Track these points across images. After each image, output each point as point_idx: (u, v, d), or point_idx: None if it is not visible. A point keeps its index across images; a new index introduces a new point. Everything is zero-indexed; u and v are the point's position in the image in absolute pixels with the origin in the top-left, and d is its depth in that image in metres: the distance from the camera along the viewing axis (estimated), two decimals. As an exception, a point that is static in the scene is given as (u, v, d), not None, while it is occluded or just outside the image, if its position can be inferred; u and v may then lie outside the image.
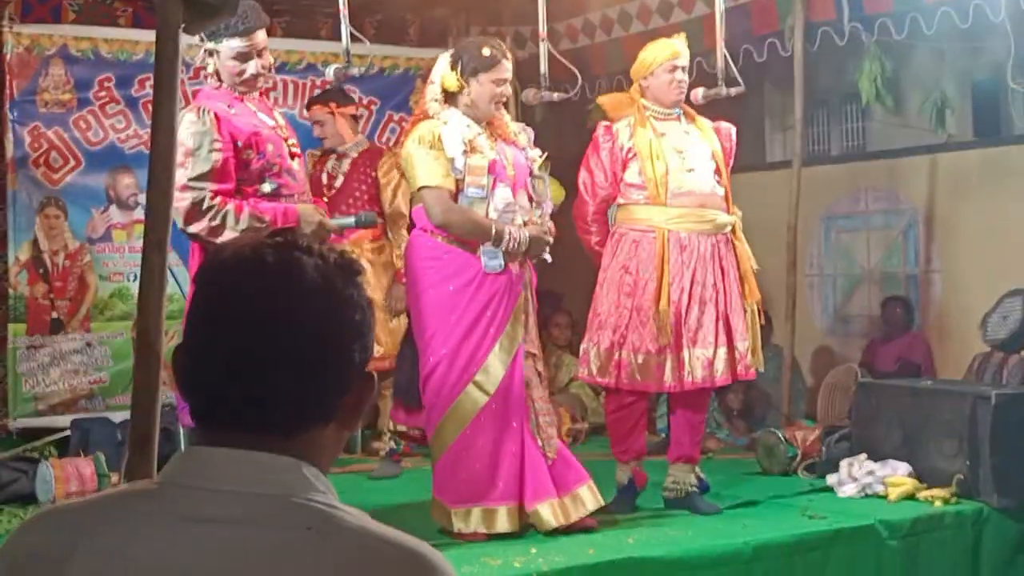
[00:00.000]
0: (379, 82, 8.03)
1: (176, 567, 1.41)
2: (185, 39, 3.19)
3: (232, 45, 4.70)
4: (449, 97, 4.97)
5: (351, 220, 4.97)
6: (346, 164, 6.59)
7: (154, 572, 1.41)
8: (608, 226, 5.50)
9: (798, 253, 7.39)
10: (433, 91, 5.00)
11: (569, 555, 4.60)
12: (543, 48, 5.07)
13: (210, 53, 4.75)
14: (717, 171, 5.45)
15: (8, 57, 7.15)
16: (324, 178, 6.62)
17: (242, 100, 4.76)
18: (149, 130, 7.47)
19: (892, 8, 7.00)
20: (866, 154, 8.72)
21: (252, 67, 4.74)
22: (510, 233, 4.84)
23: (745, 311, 5.43)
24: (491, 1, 8.22)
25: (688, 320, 5.28)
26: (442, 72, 4.98)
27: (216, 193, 4.53)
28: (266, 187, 4.69)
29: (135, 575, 1.42)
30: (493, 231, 4.83)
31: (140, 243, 7.45)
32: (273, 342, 1.45)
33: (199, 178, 4.52)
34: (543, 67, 5.07)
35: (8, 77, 7.16)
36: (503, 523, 4.85)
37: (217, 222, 4.51)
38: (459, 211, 4.87)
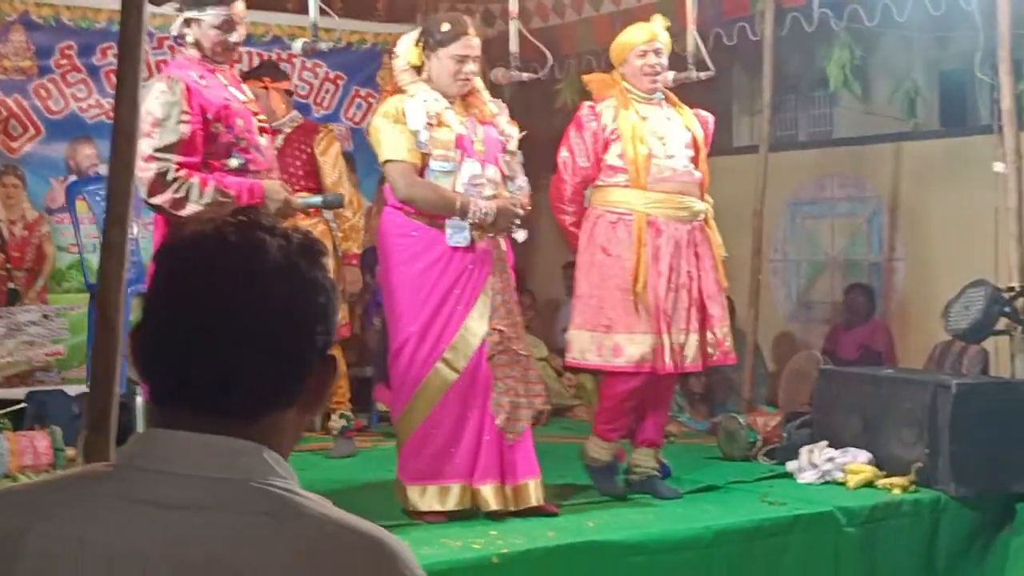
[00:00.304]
0: (346, 57, 7.97)
1: (132, 551, 1.38)
2: (153, 9, 3.13)
3: (215, 14, 4.62)
4: (417, 72, 4.93)
5: (318, 200, 4.91)
6: (280, 140, 6.34)
7: (110, 555, 1.38)
8: (583, 207, 5.46)
9: (763, 238, 7.39)
10: (399, 64, 4.97)
11: (529, 538, 4.59)
12: (513, 27, 5.02)
13: (188, 23, 4.66)
14: (695, 158, 5.44)
15: (-32, 22, 7.04)
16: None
17: (214, 72, 4.68)
18: (111, 100, 7.37)
19: (862, -7, 7.01)
20: (832, 140, 8.74)
21: (234, 37, 4.68)
22: (476, 204, 4.79)
23: (722, 297, 5.45)
24: (461, -23, 8.17)
25: (664, 305, 5.27)
26: (406, 47, 4.95)
27: (181, 165, 4.45)
28: (233, 162, 4.62)
29: (90, 558, 1.39)
30: (458, 203, 4.78)
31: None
32: (235, 323, 1.41)
33: (165, 149, 4.44)
34: (513, 46, 5.02)
35: (-32, 43, 7.06)
36: (454, 500, 4.84)
37: (181, 194, 4.44)
38: (423, 185, 4.82)
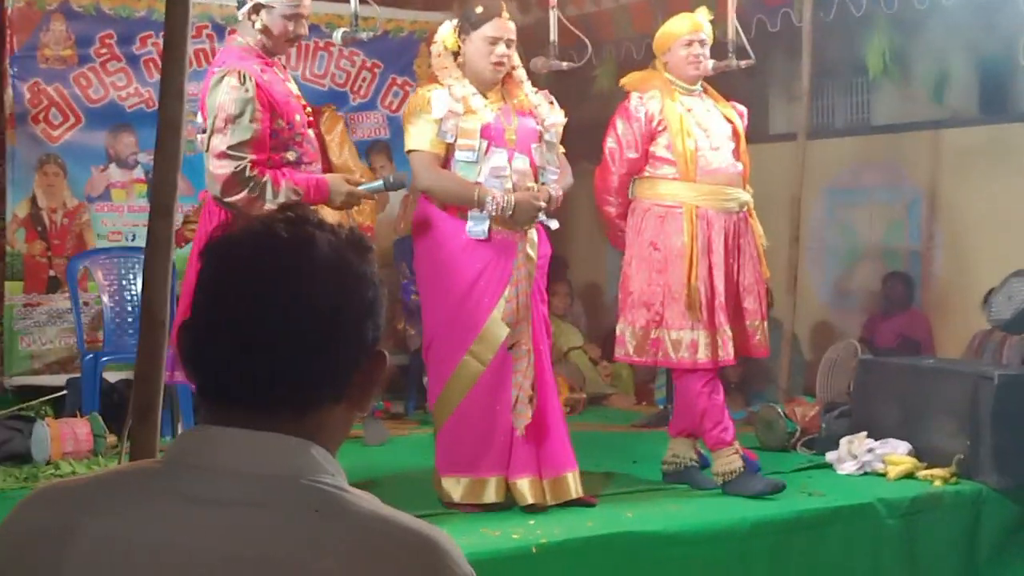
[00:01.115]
0: (383, 45, 7.95)
1: (180, 548, 1.38)
2: None
3: (288, 3, 4.57)
4: (456, 57, 4.93)
5: (379, 184, 4.86)
6: None
7: (157, 553, 1.39)
8: (628, 198, 5.42)
9: (800, 227, 7.34)
10: (436, 49, 4.98)
11: (567, 528, 4.59)
12: (553, 15, 5.00)
13: (256, 9, 4.57)
14: (735, 150, 5.42)
15: (9, 11, 7.08)
16: None
17: (271, 65, 4.63)
18: (151, 89, 7.42)
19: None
20: (871, 128, 8.67)
21: (302, 28, 4.64)
22: (493, 197, 4.74)
23: (762, 289, 5.43)
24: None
25: (716, 298, 5.26)
26: (445, 31, 4.95)
27: (254, 164, 4.41)
28: (290, 155, 4.59)
29: (138, 555, 1.39)
30: (476, 195, 4.75)
31: (139, 203, 7.43)
32: (285, 319, 1.41)
33: (239, 146, 4.39)
34: (552, 35, 4.99)
35: (8, 31, 7.09)
36: (491, 494, 4.84)
37: (255, 193, 4.39)
38: (441, 175, 4.83)
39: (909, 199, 8.11)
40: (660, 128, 5.28)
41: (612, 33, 8.09)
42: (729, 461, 5.22)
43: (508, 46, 4.89)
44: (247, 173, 4.39)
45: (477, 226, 4.79)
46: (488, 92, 4.93)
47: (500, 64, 4.88)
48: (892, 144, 8.23)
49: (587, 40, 4.98)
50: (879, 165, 8.28)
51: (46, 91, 7.16)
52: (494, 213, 4.75)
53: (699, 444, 5.50)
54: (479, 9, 4.86)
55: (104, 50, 7.31)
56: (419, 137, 4.85)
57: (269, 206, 4.36)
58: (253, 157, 4.42)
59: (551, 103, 5.08)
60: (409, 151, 4.89)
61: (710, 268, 5.25)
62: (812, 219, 8.36)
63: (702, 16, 5.40)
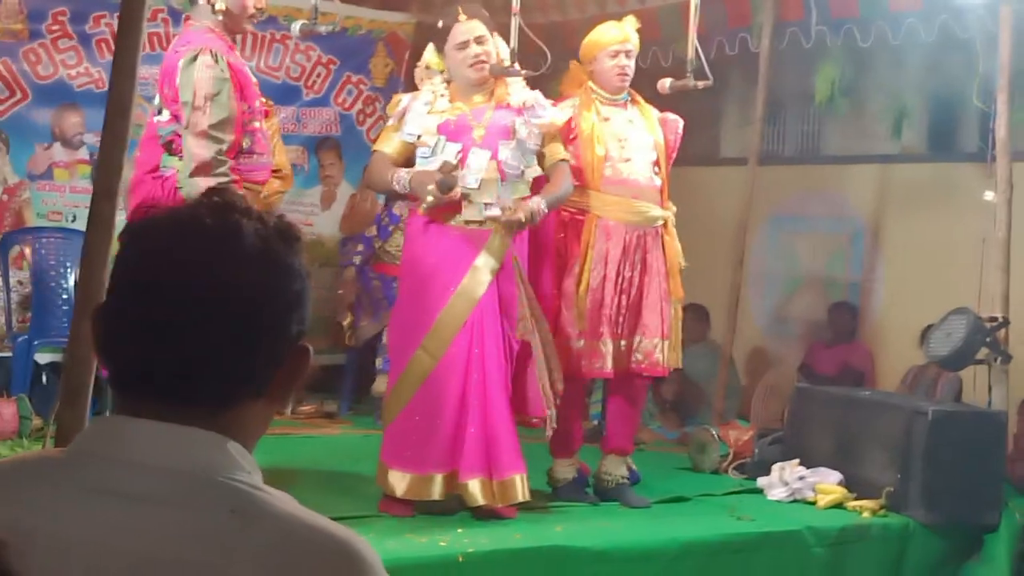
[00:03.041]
0: (340, 42, 7.89)
1: (90, 541, 1.34)
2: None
3: None
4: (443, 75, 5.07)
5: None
6: None
7: (66, 545, 1.34)
8: None
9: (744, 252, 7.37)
10: (419, 74, 5.17)
11: (495, 538, 4.57)
12: (514, 23, 4.98)
13: None
14: (656, 163, 5.38)
15: (-41, -19, 6.94)
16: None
17: (232, 48, 4.58)
18: (101, 69, 7.28)
19: (858, 14, 7.00)
20: (820, 157, 8.74)
21: (259, 2, 4.58)
22: (397, 179, 4.84)
23: (666, 308, 5.36)
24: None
25: (604, 309, 5.23)
26: (427, 58, 5.11)
27: (230, 151, 4.34)
28: (246, 142, 4.51)
29: (45, 547, 1.34)
30: (389, 178, 4.88)
31: (82, 183, 7.28)
32: (203, 310, 1.35)
33: (219, 125, 4.32)
34: (513, 42, 4.98)
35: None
36: (436, 491, 4.84)
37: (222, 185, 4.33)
38: (372, 171, 5.08)
39: (853, 231, 8.18)
40: (572, 137, 5.26)
41: (577, 44, 8.04)
42: (566, 471, 5.38)
43: (480, 43, 4.94)
44: (222, 167, 4.33)
45: (421, 206, 4.84)
46: (476, 95, 5.00)
47: (478, 63, 4.94)
48: (840, 175, 8.31)
49: (546, 49, 4.95)
50: (825, 195, 8.34)
51: (3, 60, 7.03)
52: (403, 191, 4.90)
53: (631, 460, 5.49)
54: (440, 23, 5.01)
55: (56, 27, 7.17)
56: (380, 140, 5.10)
57: None
58: (231, 138, 4.36)
59: (531, 95, 5.07)
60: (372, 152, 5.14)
61: (603, 279, 5.23)
62: (756, 244, 8.40)
63: (630, 26, 5.36)
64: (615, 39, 5.32)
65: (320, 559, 1.34)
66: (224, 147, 4.33)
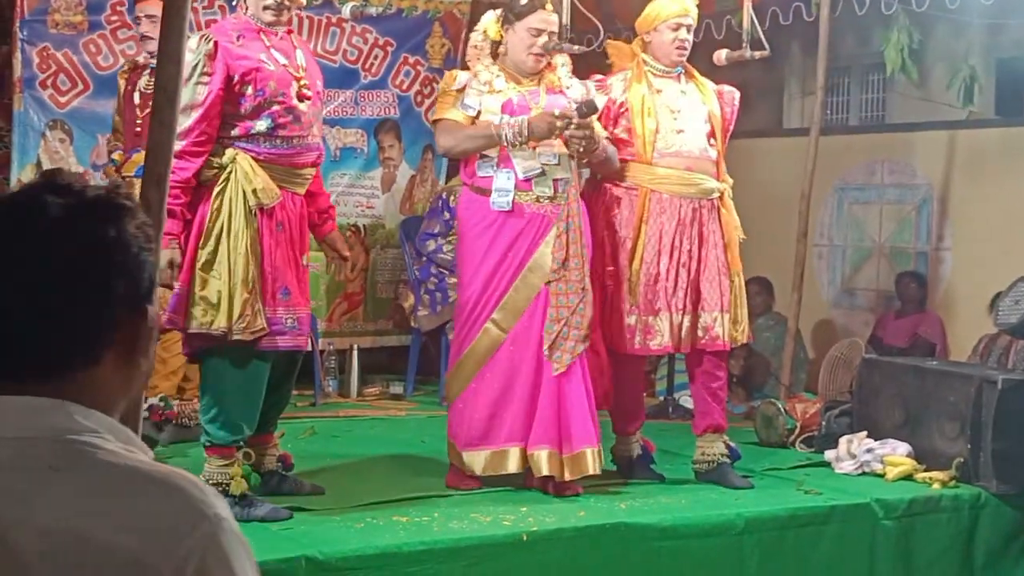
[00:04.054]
0: (396, 23, 7.89)
1: None
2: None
3: None
4: (494, 49, 5.03)
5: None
6: None
7: None
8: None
9: (809, 222, 7.28)
10: (476, 38, 5.10)
11: (559, 516, 4.56)
12: (566, -1, 4.95)
13: None
14: (711, 134, 5.31)
15: (20, -25, 7.01)
16: (137, 97, 5.77)
17: (259, 33, 4.59)
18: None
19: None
20: (885, 126, 8.60)
21: None
22: (509, 126, 4.80)
23: (730, 281, 5.30)
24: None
25: (660, 284, 5.18)
26: (488, 21, 5.06)
27: (179, 152, 4.25)
28: (261, 125, 4.52)
29: None
30: (493, 133, 4.84)
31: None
32: (10, 284, 1.42)
33: (185, 109, 4.29)
34: (564, 17, 4.95)
35: (20, -5, 7.04)
36: (512, 464, 4.89)
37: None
38: (456, 134, 4.95)
39: (920, 199, 8.05)
40: (622, 111, 5.22)
41: (629, 18, 7.99)
42: (630, 447, 5.37)
43: (549, 37, 4.97)
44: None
45: (501, 198, 4.88)
46: (526, 78, 5.03)
47: (541, 56, 4.98)
48: (905, 142, 8.17)
49: (600, 24, 4.92)
50: (891, 163, 8.21)
51: (55, 56, 7.11)
52: (516, 142, 4.81)
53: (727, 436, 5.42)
54: (524, 0, 4.94)
55: (115, 17, 7.24)
56: (441, 108, 5.03)
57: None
58: (188, 122, 4.34)
59: (585, 86, 5.13)
60: (433, 122, 5.08)
61: (657, 253, 5.18)
62: (822, 215, 8.30)
63: (690, 1, 5.29)
64: (677, 12, 5.24)
65: (137, 497, 1.39)
66: (181, 129, 4.23)
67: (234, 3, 4.70)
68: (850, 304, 8.47)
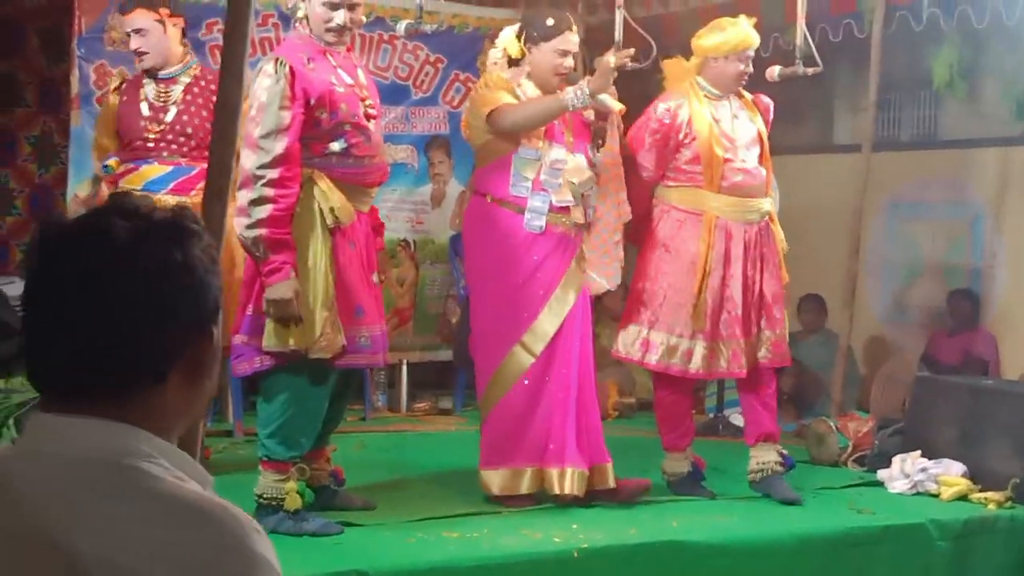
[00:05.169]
0: (447, 40, 7.92)
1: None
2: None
3: None
4: (513, 64, 5.01)
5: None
6: (177, 91, 5.45)
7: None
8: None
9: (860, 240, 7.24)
10: (495, 54, 5.07)
11: (610, 534, 4.56)
12: (619, 15, 4.96)
13: None
14: (762, 154, 5.35)
15: (78, -7, 7.10)
16: (145, 108, 5.44)
17: (324, 53, 4.60)
18: (215, 74, 7.35)
19: (972, -5, 6.84)
20: (937, 142, 8.54)
21: (339, 17, 4.55)
22: (572, 91, 4.77)
23: (782, 296, 5.36)
24: (564, -36, 8.07)
25: (723, 308, 5.20)
26: (507, 39, 5.02)
27: (278, 180, 4.33)
28: (335, 146, 4.54)
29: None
30: (560, 101, 4.79)
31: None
32: (80, 307, 1.45)
33: (268, 136, 4.34)
34: (618, 34, 4.96)
35: (77, 13, 7.12)
36: (525, 484, 4.91)
37: (244, 204, 4.35)
38: (518, 110, 4.87)
39: (973, 216, 7.98)
40: (687, 141, 5.20)
41: (679, 37, 7.99)
42: (680, 464, 5.34)
43: (573, 59, 5.00)
44: (262, 180, 4.33)
45: (536, 220, 4.87)
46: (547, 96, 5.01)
47: (564, 75, 4.98)
48: (958, 159, 8.11)
49: (652, 41, 4.92)
50: (944, 180, 8.15)
51: (111, 73, 7.17)
52: (579, 103, 4.77)
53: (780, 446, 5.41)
54: (550, 21, 4.95)
55: (169, 35, 7.30)
56: (494, 98, 4.89)
57: (239, 221, 4.38)
58: (280, 149, 4.34)
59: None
60: (489, 113, 4.88)
61: (724, 279, 5.19)
62: (873, 232, 8.24)
63: (754, 31, 5.26)
64: (744, 43, 5.22)
65: (173, 530, 1.40)
66: (268, 159, 4.33)
67: (293, 22, 4.71)
68: (902, 321, 8.40)
